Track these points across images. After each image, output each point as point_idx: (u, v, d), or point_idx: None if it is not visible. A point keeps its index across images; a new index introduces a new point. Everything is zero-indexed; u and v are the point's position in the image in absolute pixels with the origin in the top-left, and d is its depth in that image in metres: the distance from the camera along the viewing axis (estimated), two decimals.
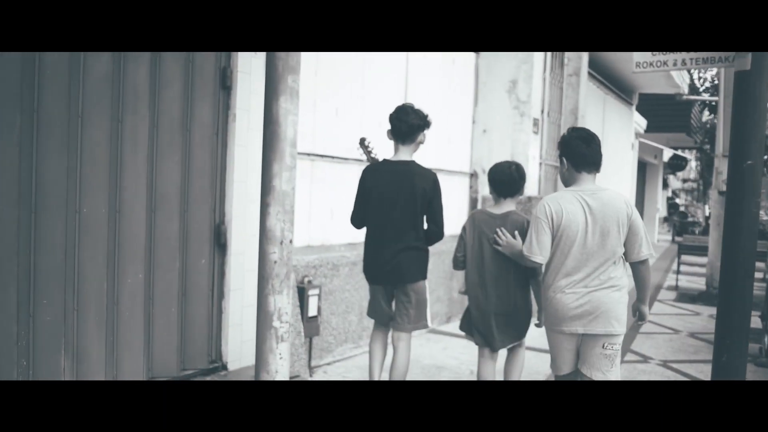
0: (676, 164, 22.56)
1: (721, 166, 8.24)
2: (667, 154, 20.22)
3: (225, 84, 3.54)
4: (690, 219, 22.44)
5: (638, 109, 13.93)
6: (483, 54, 6.90)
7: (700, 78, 24.49)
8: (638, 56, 3.96)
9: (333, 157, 4.94)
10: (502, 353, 3.66)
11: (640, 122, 14.48)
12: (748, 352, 3.48)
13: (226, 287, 3.61)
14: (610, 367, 2.92)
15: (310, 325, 4.33)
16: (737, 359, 3.30)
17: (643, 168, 19.44)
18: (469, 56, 6.82)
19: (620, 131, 12.35)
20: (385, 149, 3.82)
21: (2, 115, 2.64)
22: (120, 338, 3.10)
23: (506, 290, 3.41)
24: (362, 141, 3.76)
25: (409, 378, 3.77)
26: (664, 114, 15.61)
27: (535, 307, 3.48)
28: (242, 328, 3.67)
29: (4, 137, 2.65)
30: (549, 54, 7.26)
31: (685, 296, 8.90)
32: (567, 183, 3.04)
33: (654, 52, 3.89)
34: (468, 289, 3.55)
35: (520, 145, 6.73)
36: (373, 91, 5.35)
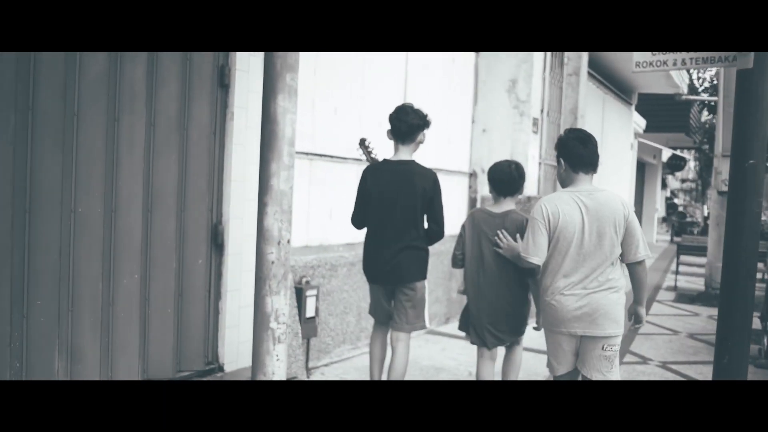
0: (675, 164, 22.56)
1: (721, 166, 8.22)
2: (666, 154, 20.21)
3: (223, 82, 3.51)
4: (689, 219, 22.44)
5: (637, 109, 13.91)
6: (483, 53, 6.87)
7: (699, 78, 24.48)
8: (638, 56, 3.94)
9: (332, 157, 4.90)
10: (501, 354, 3.66)
11: (640, 122, 14.47)
12: (755, 355, 3.47)
13: (223, 288, 3.58)
14: (610, 368, 2.94)
15: (308, 326, 4.30)
16: (739, 361, 3.28)
17: (642, 168, 19.43)
18: (469, 55, 6.79)
19: (619, 131, 12.33)
20: (384, 149, 3.81)
21: None
22: (115, 339, 3.07)
23: (505, 289, 3.42)
24: (362, 141, 3.75)
25: (407, 379, 3.75)
26: (663, 114, 15.60)
27: (533, 308, 3.48)
28: (239, 330, 3.64)
29: None
30: (549, 53, 7.23)
31: (684, 297, 8.89)
32: (564, 184, 3.06)
33: (654, 52, 3.86)
34: (467, 287, 3.55)
35: (520, 145, 6.71)
36: (373, 90, 5.32)
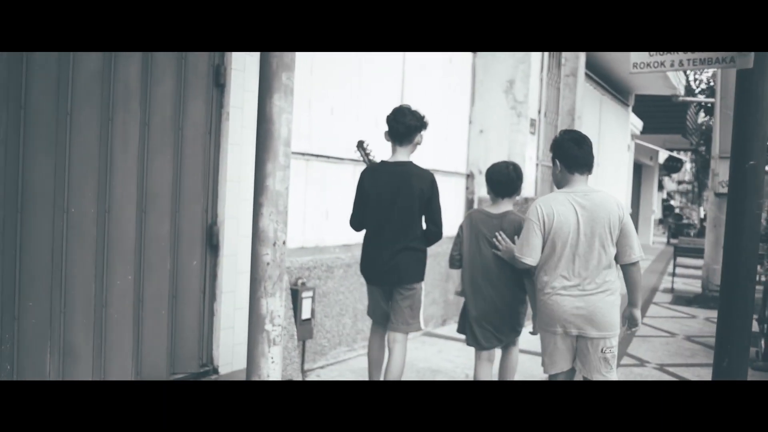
0: (672, 166, 22.55)
1: (718, 167, 8.21)
2: (663, 155, 20.22)
3: (218, 81, 3.48)
4: (685, 221, 22.46)
5: (634, 111, 13.91)
6: (480, 53, 6.85)
7: (696, 80, 24.55)
8: (635, 57, 3.92)
9: (328, 157, 4.87)
10: (499, 355, 3.66)
11: (637, 124, 14.47)
12: (752, 357, 3.45)
13: (218, 289, 3.55)
14: (609, 369, 2.97)
15: (304, 328, 4.27)
16: (738, 364, 3.25)
17: (638, 170, 19.44)
18: (466, 55, 6.76)
19: (617, 132, 12.33)
20: (382, 149, 3.79)
21: None
22: (108, 341, 3.03)
23: (503, 289, 3.44)
24: (360, 143, 3.74)
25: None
26: (660, 115, 15.61)
27: (529, 310, 3.47)
28: (234, 331, 3.61)
29: None
30: (546, 54, 7.21)
31: (681, 299, 8.88)
32: (560, 185, 3.09)
33: (651, 53, 3.84)
34: (464, 288, 3.56)
35: (517, 146, 6.68)
36: (370, 90, 5.29)
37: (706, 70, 22.39)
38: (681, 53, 3.70)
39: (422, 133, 3.54)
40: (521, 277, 3.43)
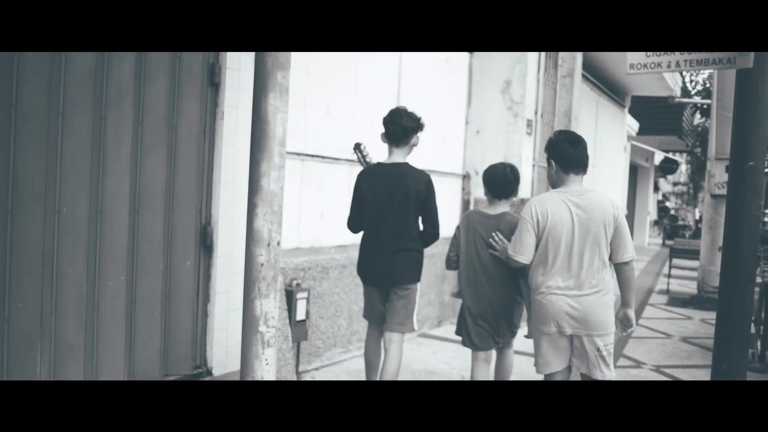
0: (667, 167, 22.61)
1: (714, 169, 8.20)
2: (659, 157, 20.26)
3: (213, 80, 3.45)
4: (680, 222, 22.51)
5: (631, 112, 13.93)
6: (477, 53, 6.83)
7: (692, 81, 24.60)
8: (632, 58, 3.91)
9: (324, 157, 4.84)
10: (494, 357, 3.66)
11: (633, 125, 14.48)
12: (748, 359, 3.43)
13: (211, 290, 3.51)
14: (607, 366, 3.00)
15: (298, 330, 4.24)
16: (738, 367, 3.23)
17: (634, 171, 19.47)
18: (463, 55, 6.74)
19: (613, 134, 12.34)
20: (378, 150, 3.78)
21: None
22: (100, 343, 2.99)
23: (499, 289, 3.45)
24: (357, 146, 3.74)
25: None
26: (656, 117, 15.62)
27: (525, 313, 3.47)
28: (228, 333, 3.58)
29: None
30: (543, 54, 7.20)
31: (677, 300, 8.88)
32: (555, 185, 3.12)
33: (648, 54, 3.83)
34: (462, 288, 3.57)
35: (514, 147, 6.66)
36: (366, 89, 5.26)
37: (702, 71, 22.45)
38: (678, 54, 3.69)
39: (418, 134, 3.57)
40: (518, 277, 3.43)
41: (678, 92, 13.16)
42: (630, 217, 17.76)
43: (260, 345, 2.69)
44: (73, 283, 2.86)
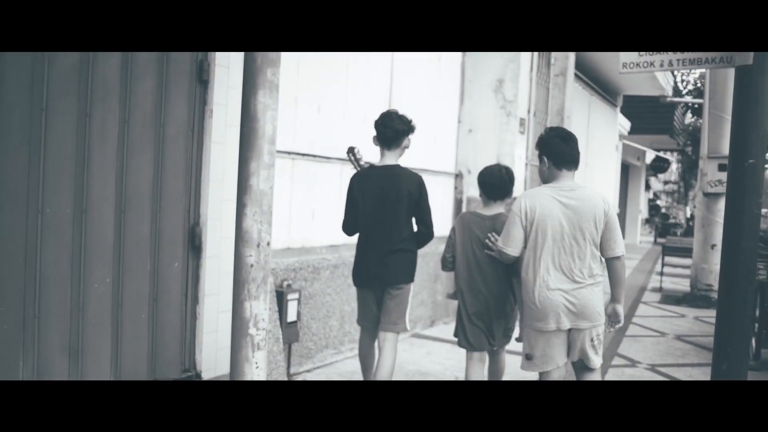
0: (659, 166, 22.74)
1: (706, 167, 8.21)
2: (650, 156, 20.34)
3: (202, 78, 3.38)
4: (672, 221, 22.61)
5: (622, 111, 13.96)
6: (469, 52, 6.78)
7: (683, 81, 24.72)
8: (625, 57, 3.89)
9: (315, 156, 4.78)
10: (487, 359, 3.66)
11: (624, 124, 14.52)
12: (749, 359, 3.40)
13: (200, 292, 3.44)
14: (597, 354, 3.09)
15: (289, 331, 4.18)
16: (738, 367, 3.19)
17: (626, 170, 19.54)
18: (456, 54, 6.70)
19: (605, 133, 12.35)
20: (371, 153, 3.76)
21: None
22: (85, 347, 2.91)
23: (495, 289, 3.47)
24: (351, 150, 3.72)
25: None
26: (647, 116, 15.69)
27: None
28: (217, 335, 3.51)
29: None
30: (536, 53, 7.17)
31: (670, 298, 8.88)
32: (547, 181, 3.15)
33: (641, 53, 3.81)
34: (459, 289, 3.57)
35: (507, 146, 6.62)
36: (358, 88, 5.21)
37: (693, 71, 22.53)
38: (670, 53, 3.69)
39: (410, 136, 3.59)
40: (512, 276, 3.44)
41: (670, 92, 13.20)
42: (621, 216, 17.80)
43: (250, 348, 2.64)
44: (57, 286, 2.79)
